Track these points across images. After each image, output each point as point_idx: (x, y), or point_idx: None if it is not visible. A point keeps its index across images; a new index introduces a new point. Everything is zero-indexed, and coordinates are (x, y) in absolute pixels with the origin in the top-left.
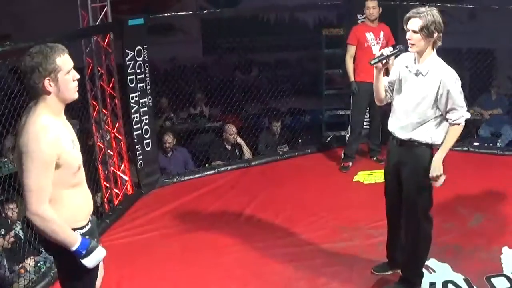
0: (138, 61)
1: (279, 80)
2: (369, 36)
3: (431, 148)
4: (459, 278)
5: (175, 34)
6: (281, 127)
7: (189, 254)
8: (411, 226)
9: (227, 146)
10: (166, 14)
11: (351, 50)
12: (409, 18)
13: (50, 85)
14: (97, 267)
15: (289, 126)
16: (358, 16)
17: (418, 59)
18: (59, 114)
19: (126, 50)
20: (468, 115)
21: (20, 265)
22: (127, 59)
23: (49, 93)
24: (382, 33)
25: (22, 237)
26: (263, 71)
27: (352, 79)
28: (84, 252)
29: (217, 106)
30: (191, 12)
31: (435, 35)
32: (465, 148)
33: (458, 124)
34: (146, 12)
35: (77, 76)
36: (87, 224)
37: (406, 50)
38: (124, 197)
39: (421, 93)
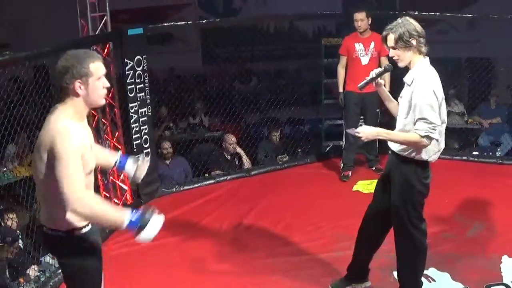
0: (137, 70)
1: (278, 90)
2: (358, 46)
3: (417, 164)
4: (459, 287)
5: (175, 43)
6: (280, 136)
7: (188, 263)
8: (403, 239)
9: (226, 156)
10: (165, 24)
11: (343, 60)
12: (385, 37)
13: (80, 87)
14: (101, 272)
15: (288, 136)
16: None
17: (409, 69)
18: (83, 117)
19: (125, 60)
20: (435, 136)
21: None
22: (126, 68)
23: (78, 95)
24: (372, 43)
25: (22, 246)
26: (263, 80)
27: (340, 89)
28: (137, 227)
29: (217, 115)
30: (190, 22)
31: (414, 42)
32: (465, 157)
33: (420, 135)
34: (146, 21)
35: (107, 84)
36: (87, 225)
37: (395, 67)
38: (124, 207)
39: (405, 102)
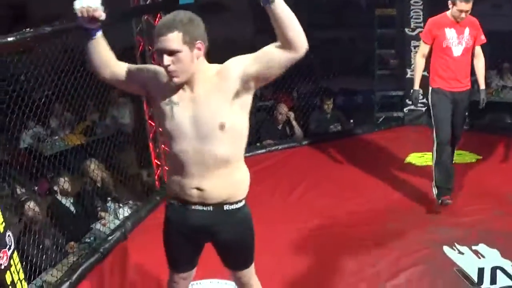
0: None
1: (331, 60)
2: (450, 33)
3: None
4: (507, 265)
5: (226, 13)
6: (332, 106)
7: None
8: None
9: (278, 126)
10: None
11: (425, 49)
12: None
13: None
14: (173, 247)
15: (340, 106)
16: None
17: None
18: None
19: None
20: None
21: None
22: None
23: None
24: (467, 30)
25: (74, 213)
26: (315, 50)
27: (416, 86)
28: None
29: (269, 85)
30: None
31: None
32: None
33: None
34: None
35: (162, 62)
36: (173, 199)
37: None
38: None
39: None
